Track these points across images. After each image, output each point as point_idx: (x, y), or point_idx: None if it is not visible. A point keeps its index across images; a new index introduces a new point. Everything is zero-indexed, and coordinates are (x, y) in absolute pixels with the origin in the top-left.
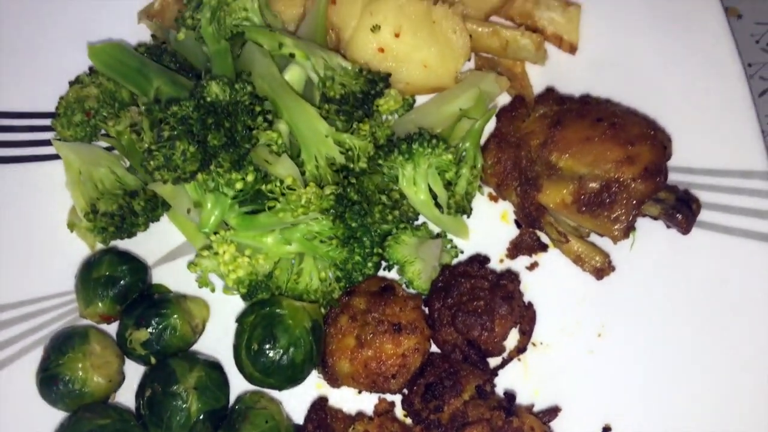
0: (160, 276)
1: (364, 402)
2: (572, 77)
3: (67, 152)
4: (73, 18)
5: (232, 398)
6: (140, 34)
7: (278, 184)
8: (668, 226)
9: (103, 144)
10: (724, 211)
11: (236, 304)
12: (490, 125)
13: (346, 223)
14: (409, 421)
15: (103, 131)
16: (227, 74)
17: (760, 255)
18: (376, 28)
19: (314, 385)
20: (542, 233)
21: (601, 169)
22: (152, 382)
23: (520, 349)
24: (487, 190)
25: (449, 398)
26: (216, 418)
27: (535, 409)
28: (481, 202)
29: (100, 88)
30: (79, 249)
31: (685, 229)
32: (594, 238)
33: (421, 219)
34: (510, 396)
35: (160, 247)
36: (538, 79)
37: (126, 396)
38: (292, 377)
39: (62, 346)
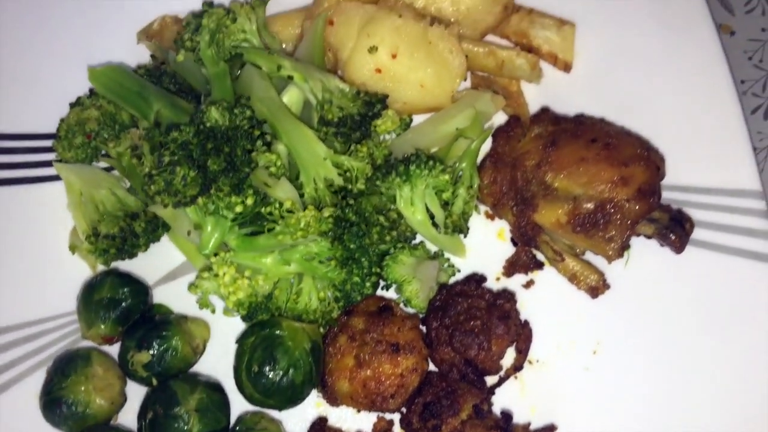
0: (161, 295)
1: (363, 421)
2: (567, 95)
3: (68, 174)
4: (72, 39)
5: (233, 419)
6: (139, 54)
7: (277, 206)
8: (662, 245)
9: (104, 164)
10: (717, 230)
11: (236, 323)
12: (486, 145)
13: (344, 245)
14: None
15: (103, 152)
16: (226, 97)
17: (752, 273)
18: (373, 49)
19: (314, 404)
20: (538, 251)
21: (596, 189)
22: (154, 405)
23: (517, 367)
24: (483, 208)
25: (447, 417)
26: None
27: (532, 427)
28: (477, 221)
29: (100, 111)
30: (80, 269)
31: (678, 249)
32: (589, 256)
33: (419, 238)
34: (507, 416)
35: (161, 266)
36: (533, 97)
37: (128, 417)
38: (292, 398)
39: (65, 369)
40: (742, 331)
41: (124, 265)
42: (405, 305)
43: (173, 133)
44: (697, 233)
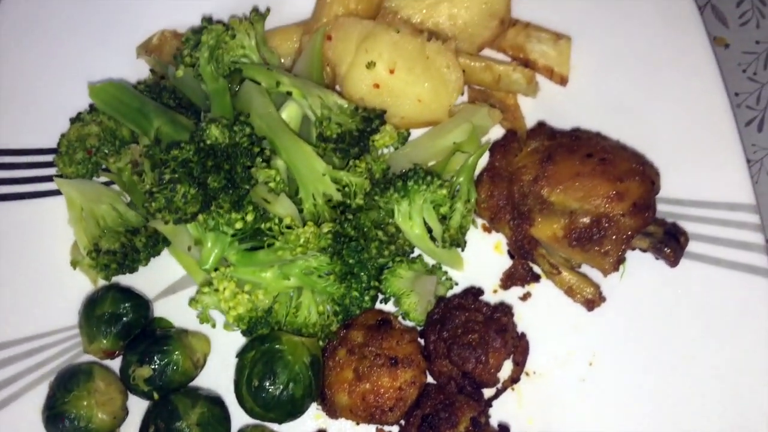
0: (161, 309)
1: None
2: (563, 108)
3: (69, 189)
4: (73, 54)
5: None
6: (139, 68)
7: (277, 222)
8: (657, 258)
9: (104, 179)
10: (711, 243)
11: (236, 335)
12: (484, 159)
13: (343, 260)
14: None
15: (103, 166)
16: (226, 113)
17: (746, 286)
18: (371, 65)
19: (313, 416)
20: (535, 264)
21: (592, 204)
22: (156, 419)
23: (514, 379)
24: (480, 221)
25: (445, 430)
26: None
27: None
28: (474, 233)
29: (100, 126)
30: (82, 284)
31: (672, 263)
32: (585, 268)
33: (417, 251)
34: (504, 428)
35: (161, 280)
36: (530, 110)
37: (130, 431)
38: (291, 411)
39: (67, 384)
40: (737, 343)
41: (125, 278)
42: (403, 318)
43: (174, 151)
44: (692, 246)
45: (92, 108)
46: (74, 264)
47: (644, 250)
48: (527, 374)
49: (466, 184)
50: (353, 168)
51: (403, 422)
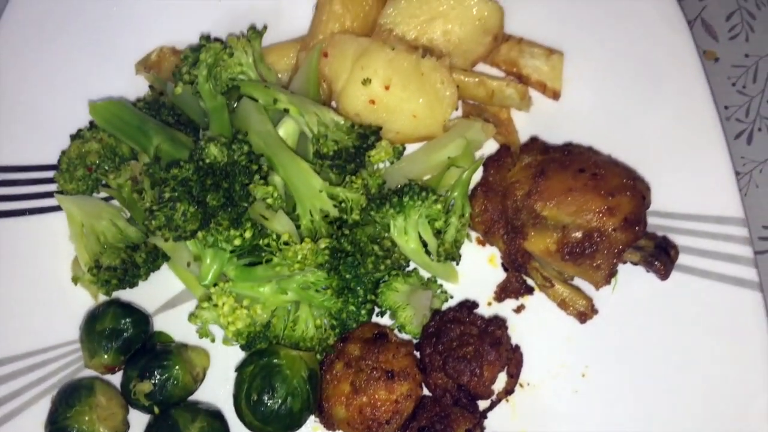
0: (161, 323)
1: None
2: (555, 122)
3: (70, 206)
4: (72, 70)
5: None
6: (138, 84)
7: (275, 238)
8: (648, 271)
9: (104, 194)
10: (701, 256)
11: (235, 349)
12: (478, 173)
13: (340, 275)
14: None
15: (103, 182)
16: (224, 131)
17: (734, 298)
18: (367, 81)
19: (311, 428)
20: (528, 277)
21: (584, 218)
22: None
23: (508, 391)
24: (474, 234)
25: None
26: None
27: None
28: (469, 246)
29: (101, 143)
30: (82, 298)
31: (663, 276)
32: (577, 281)
33: (412, 265)
34: None
35: (161, 294)
36: (523, 124)
37: None
38: (290, 425)
39: (69, 399)
40: (726, 355)
41: (125, 293)
42: (399, 331)
43: (173, 170)
44: (683, 259)
45: (92, 125)
46: (75, 280)
47: (635, 264)
48: (521, 386)
49: (461, 198)
50: (349, 184)
51: None
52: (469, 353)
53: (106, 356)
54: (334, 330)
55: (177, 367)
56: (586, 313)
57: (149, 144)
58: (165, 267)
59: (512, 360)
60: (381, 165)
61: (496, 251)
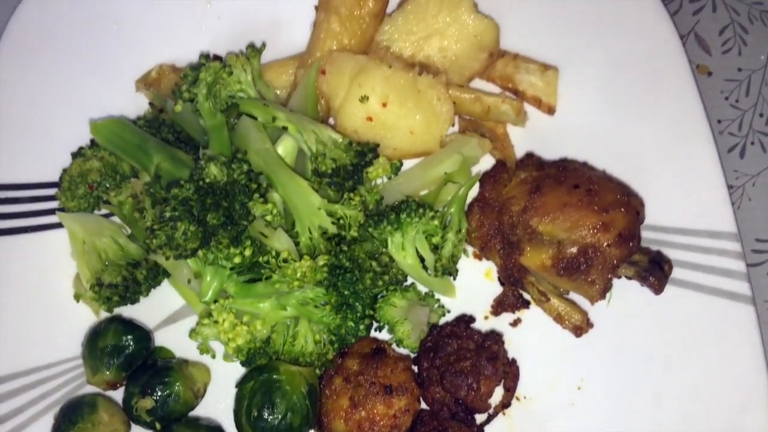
0: (162, 338)
1: None
2: (551, 137)
3: (71, 223)
4: (73, 88)
5: None
6: (138, 102)
7: (274, 255)
8: (642, 285)
9: (105, 211)
10: (695, 270)
11: (235, 365)
12: (474, 189)
13: (339, 291)
14: None
15: (104, 199)
16: (224, 149)
17: (728, 312)
18: (364, 99)
19: None
20: (524, 292)
21: (579, 234)
22: None
23: (505, 404)
24: (471, 249)
25: None
26: None
27: None
28: (466, 261)
29: (102, 161)
30: (84, 315)
31: (657, 290)
32: (573, 295)
33: (410, 280)
34: None
35: (162, 309)
36: (519, 139)
37: None
38: None
39: (72, 416)
40: (719, 368)
41: (126, 308)
42: (397, 345)
43: (174, 189)
44: (677, 273)
45: (93, 143)
46: (77, 297)
47: (630, 278)
48: (518, 399)
49: (457, 214)
50: (348, 201)
51: None
52: (467, 368)
53: (108, 373)
54: (332, 345)
55: (178, 383)
56: (581, 327)
57: (150, 162)
58: (165, 283)
59: (509, 374)
60: (378, 181)
61: (493, 266)
